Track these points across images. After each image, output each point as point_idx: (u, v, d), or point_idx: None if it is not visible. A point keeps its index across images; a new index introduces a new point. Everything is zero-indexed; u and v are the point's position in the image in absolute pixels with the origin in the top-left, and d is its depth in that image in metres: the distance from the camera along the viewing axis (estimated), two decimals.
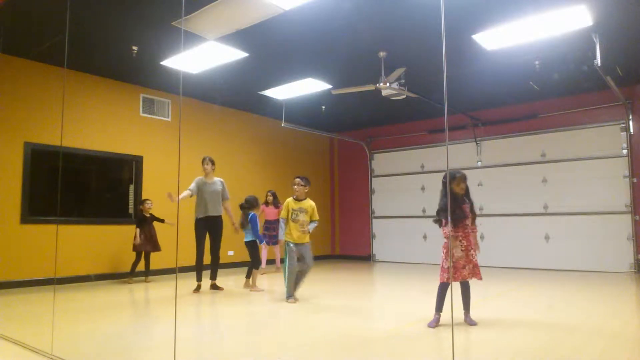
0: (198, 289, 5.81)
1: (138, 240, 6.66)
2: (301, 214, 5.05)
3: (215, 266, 5.95)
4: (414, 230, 9.90)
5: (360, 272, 8.32)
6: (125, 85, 7.48)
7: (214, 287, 5.91)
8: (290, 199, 5.16)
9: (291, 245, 5.03)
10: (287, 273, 5.07)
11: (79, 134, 6.86)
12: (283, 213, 5.16)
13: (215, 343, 3.43)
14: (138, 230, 6.72)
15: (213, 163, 6.02)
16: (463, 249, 3.79)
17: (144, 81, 7.47)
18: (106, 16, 5.17)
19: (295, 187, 5.12)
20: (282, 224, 5.16)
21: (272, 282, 6.92)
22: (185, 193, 5.84)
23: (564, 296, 5.49)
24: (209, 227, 5.91)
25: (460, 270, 3.80)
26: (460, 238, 3.80)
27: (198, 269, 5.88)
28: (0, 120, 6.17)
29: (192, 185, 5.91)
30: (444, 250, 3.84)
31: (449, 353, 3.09)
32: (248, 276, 6.20)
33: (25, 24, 5.37)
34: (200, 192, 5.88)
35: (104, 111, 7.20)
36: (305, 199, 5.16)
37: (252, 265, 6.05)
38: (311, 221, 5.13)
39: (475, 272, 3.84)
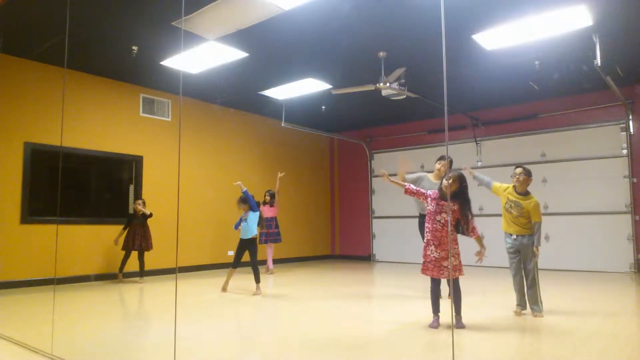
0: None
1: (120, 238, 6.70)
2: (515, 209, 4.35)
3: None
4: (414, 230, 9.82)
5: (360, 272, 8.32)
6: (125, 85, 7.48)
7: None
8: (511, 186, 4.47)
9: (509, 240, 4.44)
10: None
11: (79, 134, 6.85)
12: (501, 197, 4.51)
13: (215, 343, 3.43)
14: (127, 229, 6.74)
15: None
16: (440, 249, 3.80)
17: (144, 81, 7.47)
18: (106, 16, 5.17)
19: (518, 177, 4.36)
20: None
21: (264, 283, 6.92)
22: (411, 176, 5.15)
23: (564, 296, 5.49)
24: None
25: (440, 268, 3.80)
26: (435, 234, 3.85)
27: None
28: (0, 120, 6.17)
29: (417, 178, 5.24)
30: None
31: (448, 353, 3.09)
32: (257, 280, 5.67)
33: (25, 24, 5.37)
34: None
35: (104, 111, 7.19)
36: (526, 194, 4.35)
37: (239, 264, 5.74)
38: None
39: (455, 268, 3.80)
